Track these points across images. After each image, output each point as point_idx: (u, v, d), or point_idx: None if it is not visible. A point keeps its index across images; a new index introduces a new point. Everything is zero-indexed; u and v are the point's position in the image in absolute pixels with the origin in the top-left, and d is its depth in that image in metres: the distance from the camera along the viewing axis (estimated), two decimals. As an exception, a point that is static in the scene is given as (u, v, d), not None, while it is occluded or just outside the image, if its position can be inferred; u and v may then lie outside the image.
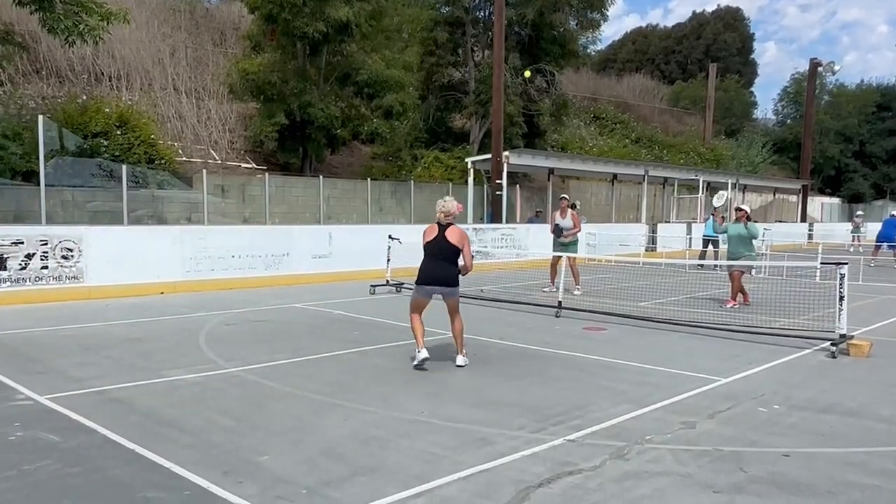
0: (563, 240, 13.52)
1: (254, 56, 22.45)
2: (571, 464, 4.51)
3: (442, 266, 7.17)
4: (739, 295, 12.03)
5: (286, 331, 9.19)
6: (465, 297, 12.54)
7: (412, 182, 22.72)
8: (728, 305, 11.79)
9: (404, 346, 8.07)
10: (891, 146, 53.67)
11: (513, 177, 24.92)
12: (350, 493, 3.99)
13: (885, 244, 21.89)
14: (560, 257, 13.16)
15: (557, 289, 11.46)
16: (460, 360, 7.29)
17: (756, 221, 12.60)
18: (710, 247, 20.12)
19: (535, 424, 5.31)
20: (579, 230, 13.70)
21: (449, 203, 7.29)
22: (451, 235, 7.17)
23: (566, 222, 13.54)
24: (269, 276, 14.38)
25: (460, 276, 7.40)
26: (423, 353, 7.06)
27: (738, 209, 12.25)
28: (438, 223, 7.28)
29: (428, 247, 7.26)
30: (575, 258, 13.62)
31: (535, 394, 6.22)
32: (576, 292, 13.17)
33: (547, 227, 21.84)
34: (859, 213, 32.54)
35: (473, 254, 7.75)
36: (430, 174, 25.96)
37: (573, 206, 13.79)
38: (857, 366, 7.62)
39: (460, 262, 7.25)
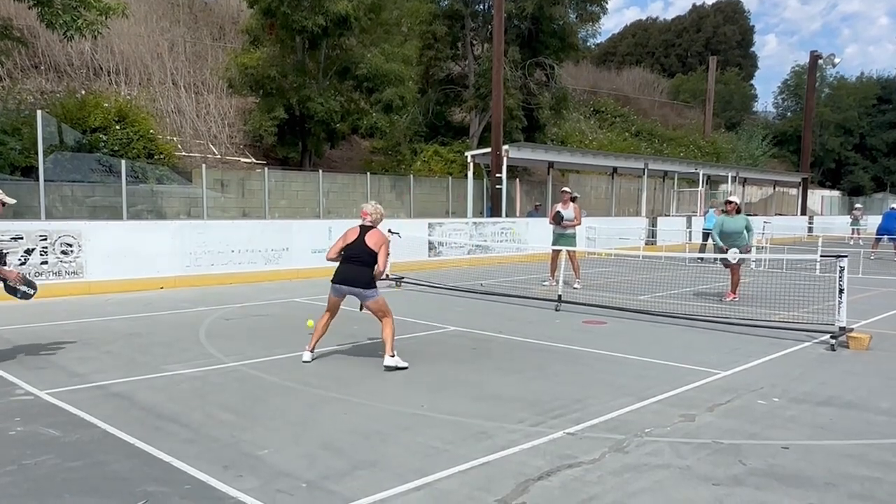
0: (563, 230, 13.53)
1: (253, 50, 22.39)
2: (571, 457, 4.52)
3: (358, 268, 7.00)
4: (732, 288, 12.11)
5: (286, 325, 9.19)
6: (465, 291, 12.59)
7: (412, 176, 22.71)
8: (728, 299, 11.78)
9: (404, 339, 8.06)
10: (891, 139, 53.65)
11: (512, 170, 24.91)
12: (350, 487, 4.00)
13: (885, 237, 21.84)
14: (560, 251, 13.16)
15: (557, 282, 11.46)
16: (388, 360, 6.90)
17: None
18: (711, 240, 20.09)
19: (534, 418, 5.32)
20: (579, 223, 13.72)
21: (370, 207, 7.24)
22: (370, 239, 7.05)
23: (568, 213, 13.58)
24: (269, 271, 14.38)
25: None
26: (307, 356, 7.15)
27: (728, 202, 12.12)
28: (361, 225, 7.18)
29: (347, 249, 7.09)
30: (575, 252, 13.62)
31: (534, 387, 6.23)
32: (576, 286, 13.18)
33: (544, 220, 21.90)
34: (858, 206, 32.54)
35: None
36: (430, 168, 25.95)
37: (573, 199, 13.80)
38: (856, 358, 7.63)
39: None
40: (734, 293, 11.87)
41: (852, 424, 5.31)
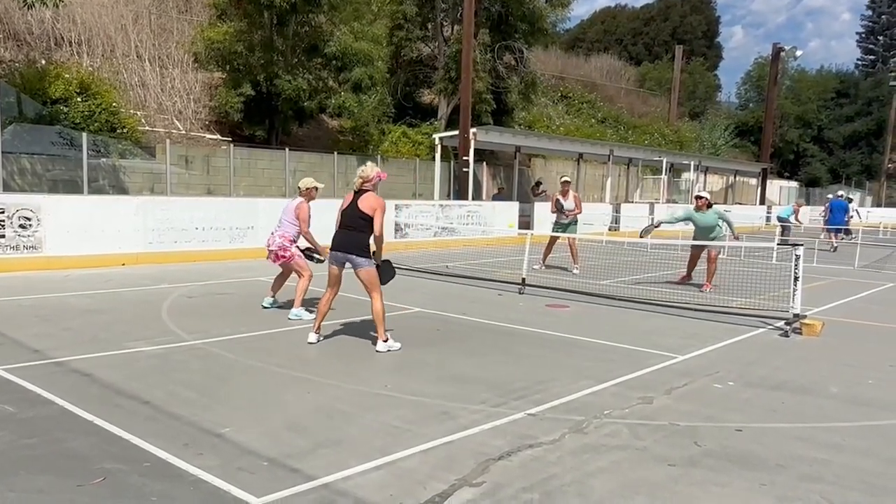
0: (564, 220, 13.77)
1: (220, 24, 21.94)
2: (531, 437, 4.59)
3: (349, 233, 6.76)
4: (682, 275, 12.40)
5: (249, 304, 9.13)
6: (430, 273, 12.61)
7: (379, 157, 22.58)
8: (705, 289, 11.56)
9: (368, 320, 8.06)
10: (847, 132, 54.88)
11: (480, 154, 24.93)
12: (312, 465, 4.01)
13: (829, 227, 22.32)
14: (557, 238, 13.39)
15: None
16: (380, 346, 6.80)
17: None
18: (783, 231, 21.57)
19: (496, 399, 5.38)
20: (580, 212, 13.92)
21: (369, 169, 6.84)
22: (363, 203, 6.70)
23: (568, 203, 13.77)
24: (234, 249, 14.23)
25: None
26: (313, 337, 6.99)
27: (698, 197, 12.11)
28: (355, 190, 6.86)
29: (341, 215, 6.89)
30: (575, 239, 13.83)
31: (497, 369, 6.30)
32: (574, 271, 13.44)
33: (511, 204, 22.01)
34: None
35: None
36: (398, 149, 25.83)
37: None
38: (808, 344, 7.84)
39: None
40: (709, 283, 11.81)
41: (803, 408, 5.47)
